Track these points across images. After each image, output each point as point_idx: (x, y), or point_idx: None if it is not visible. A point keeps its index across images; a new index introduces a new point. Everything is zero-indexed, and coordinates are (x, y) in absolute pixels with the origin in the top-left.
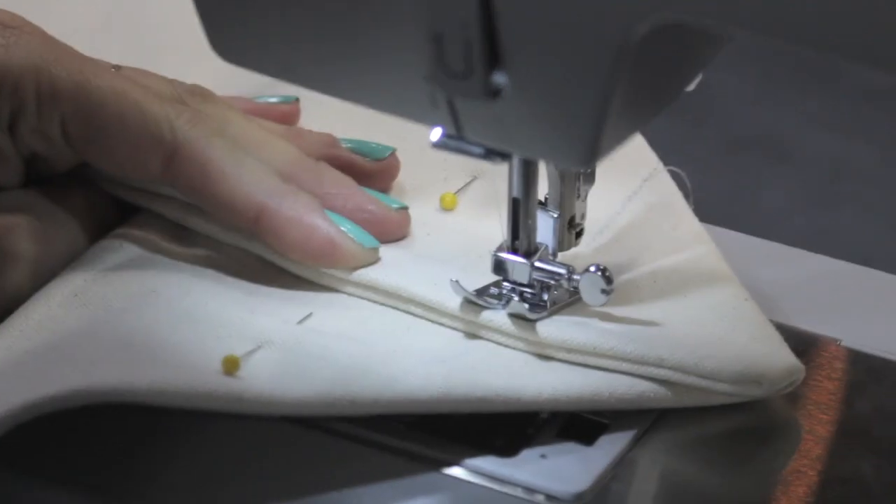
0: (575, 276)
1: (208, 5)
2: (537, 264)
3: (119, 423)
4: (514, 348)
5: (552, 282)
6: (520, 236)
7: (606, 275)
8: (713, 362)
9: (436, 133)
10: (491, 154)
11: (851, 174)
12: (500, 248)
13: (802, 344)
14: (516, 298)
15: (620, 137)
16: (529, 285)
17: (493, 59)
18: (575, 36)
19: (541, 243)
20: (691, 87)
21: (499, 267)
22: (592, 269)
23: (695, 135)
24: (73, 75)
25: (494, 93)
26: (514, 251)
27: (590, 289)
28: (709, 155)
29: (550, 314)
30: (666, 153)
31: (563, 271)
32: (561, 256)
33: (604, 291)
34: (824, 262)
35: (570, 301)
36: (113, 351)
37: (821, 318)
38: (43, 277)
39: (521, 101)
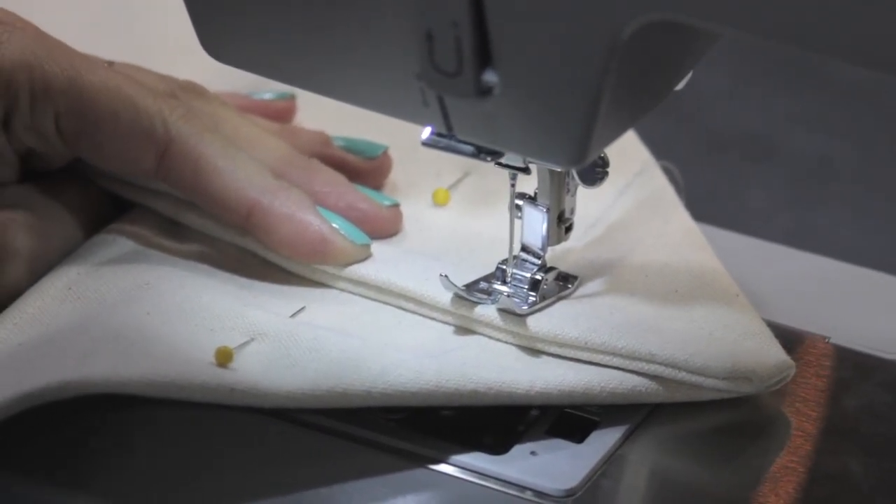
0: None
1: (198, 4)
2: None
3: (101, 416)
4: (506, 342)
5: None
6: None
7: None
8: (703, 358)
9: (426, 131)
10: (481, 152)
11: (836, 171)
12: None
13: (790, 341)
14: (505, 293)
15: (610, 136)
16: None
17: (484, 57)
18: (565, 34)
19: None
20: (681, 85)
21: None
22: None
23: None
24: (65, 71)
25: (485, 91)
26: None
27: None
28: (693, 152)
29: (539, 309)
30: (651, 150)
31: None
32: (551, 251)
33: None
34: (811, 259)
35: (560, 296)
36: (106, 343)
37: (808, 316)
38: (39, 272)
39: (511, 99)
